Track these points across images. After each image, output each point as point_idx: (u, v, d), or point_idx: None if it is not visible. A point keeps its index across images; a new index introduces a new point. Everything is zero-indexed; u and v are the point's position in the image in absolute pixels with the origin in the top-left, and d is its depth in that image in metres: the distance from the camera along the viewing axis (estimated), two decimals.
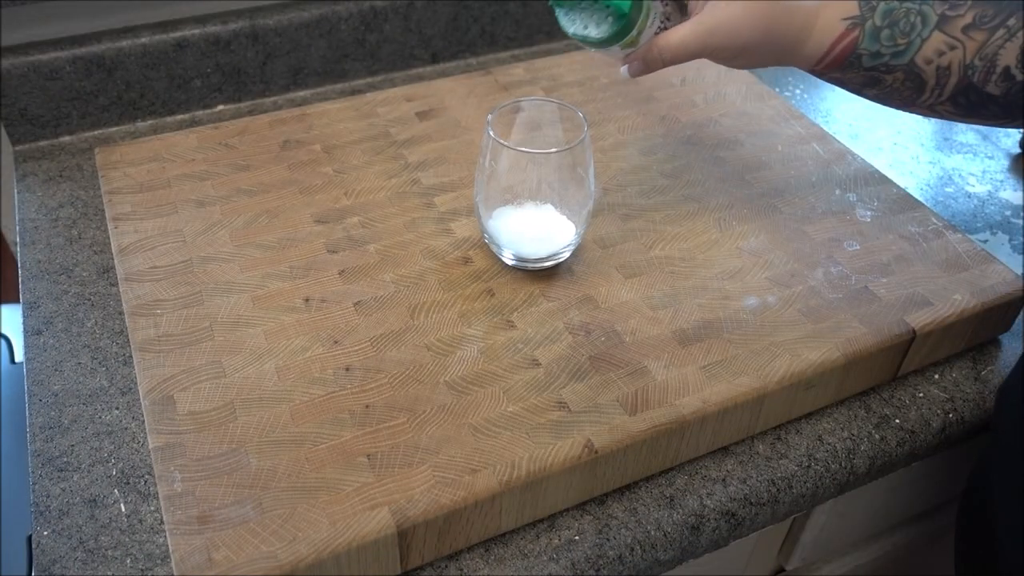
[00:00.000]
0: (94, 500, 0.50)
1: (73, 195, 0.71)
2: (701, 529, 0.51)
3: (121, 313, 0.61)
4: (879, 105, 0.58)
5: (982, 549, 0.57)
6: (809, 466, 0.54)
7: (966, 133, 0.84)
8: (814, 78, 0.90)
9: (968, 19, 0.52)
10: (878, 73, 0.54)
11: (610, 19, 0.52)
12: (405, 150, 0.69)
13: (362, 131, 0.71)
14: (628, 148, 0.71)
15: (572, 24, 0.53)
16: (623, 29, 0.52)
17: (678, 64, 0.55)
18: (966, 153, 0.82)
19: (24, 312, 0.61)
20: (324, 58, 0.83)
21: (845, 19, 0.53)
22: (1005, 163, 0.81)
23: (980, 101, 0.53)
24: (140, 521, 0.49)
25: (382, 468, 0.47)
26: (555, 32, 0.92)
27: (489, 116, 0.55)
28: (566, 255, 0.59)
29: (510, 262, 0.59)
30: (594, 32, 0.53)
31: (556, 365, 0.53)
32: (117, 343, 0.59)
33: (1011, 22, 0.51)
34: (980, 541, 0.57)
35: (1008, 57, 0.51)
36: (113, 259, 0.61)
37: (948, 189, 0.77)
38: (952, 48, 0.52)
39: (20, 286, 0.63)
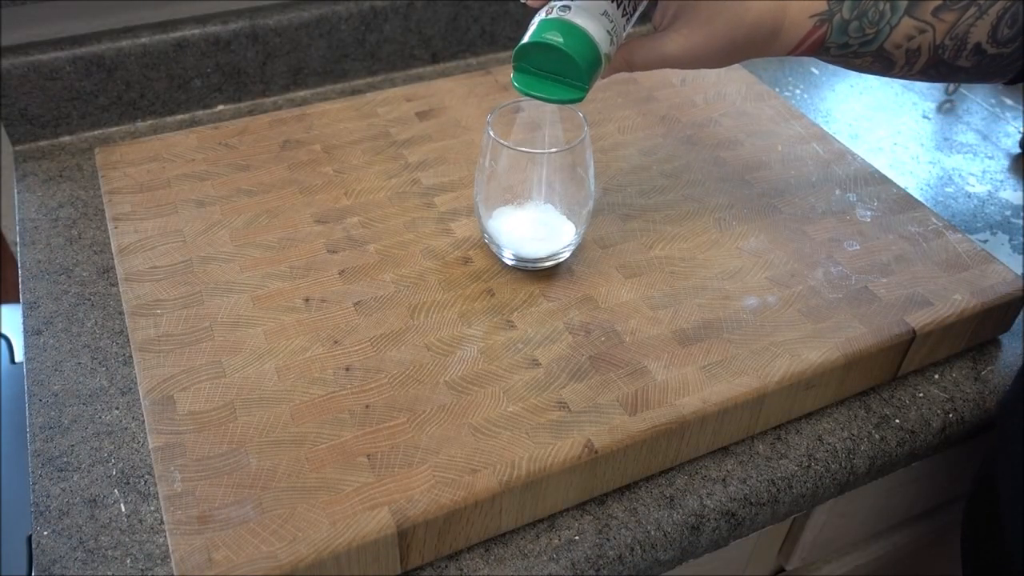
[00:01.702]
0: (94, 500, 0.50)
1: (73, 195, 0.71)
2: (701, 529, 0.51)
3: (121, 313, 0.61)
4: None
5: (989, 554, 0.56)
6: (809, 466, 0.54)
7: (966, 133, 0.84)
8: (814, 78, 0.91)
9: (938, 1, 0.52)
10: (846, 59, 0.54)
11: (570, 90, 0.51)
12: (405, 150, 0.69)
13: (362, 131, 0.71)
14: (628, 148, 0.71)
15: (527, 88, 0.51)
16: (580, 98, 0.51)
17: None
18: (966, 153, 0.82)
19: (24, 312, 0.61)
20: (324, 58, 0.83)
21: (813, 16, 0.52)
22: (1005, 163, 0.81)
23: (950, 72, 0.54)
24: (140, 521, 0.49)
25: (382, 468, 0.47)
26: None
27: (489, 116, 0.55)
28: (566, 255, 0.59)
29: (510, 262, 0.59)
30: (553, 97, 0.51)
31: (556, 365, 0.53)
32: (117, 343, 0.59)
33: (982, 0, 0.51)
34: (987, 546, 0.57)
35: (979, 34, 0.52)
36: (113, 259, 0.61)
37: (948, 189, 0.77)
38: (922, 32, 0.52)
39: (20, 286, 0.63)
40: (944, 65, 0.53)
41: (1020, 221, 0.74)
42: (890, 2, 0.52)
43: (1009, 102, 0.89)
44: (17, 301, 0.63)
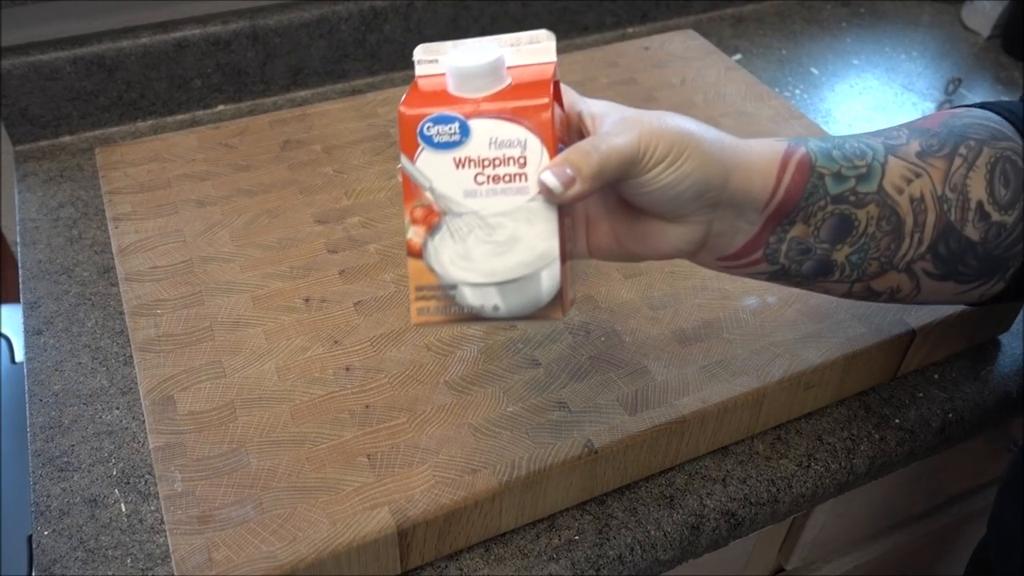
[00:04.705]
0: (94, 500, 0.50)
1: (73, 195, 0.71)
2: (701, 529, 0.51)
3: (121, 313, 0.61)
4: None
5: None
6: (809, 466, 0.54)
7: None
8: (814, 78, 0.90)
9: (915, 146, 0.45)
10: (848, 207, 0.43)
11: None
12: None
13: (362, 131, 0.71)
14: None
15: None
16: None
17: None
18: None
19: (24, 312, 0.61)
20: (324, 58, 0.83)
21: (780, 141, 0.44)
22: None
23: (960, 251, 0.45)
24: (140, 521, 0.49)
25: (382, 468, 0.47)
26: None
27: None
28: None
29: None
30: None
31: (556, 365, 0.53)
32: (117, 343, 0.59)
33: (963, 150, 0.45)
34: None
35: (976, 190, 0.45)
36: (113, 259, 0.61)
37: None
38: (917, 175, 0.44)
39: (20, 286, 0.63)
40: (954, 235, 0.45)
41: None
42: (865, 143, 0.45)
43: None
44: (17, 301, 0.63)
